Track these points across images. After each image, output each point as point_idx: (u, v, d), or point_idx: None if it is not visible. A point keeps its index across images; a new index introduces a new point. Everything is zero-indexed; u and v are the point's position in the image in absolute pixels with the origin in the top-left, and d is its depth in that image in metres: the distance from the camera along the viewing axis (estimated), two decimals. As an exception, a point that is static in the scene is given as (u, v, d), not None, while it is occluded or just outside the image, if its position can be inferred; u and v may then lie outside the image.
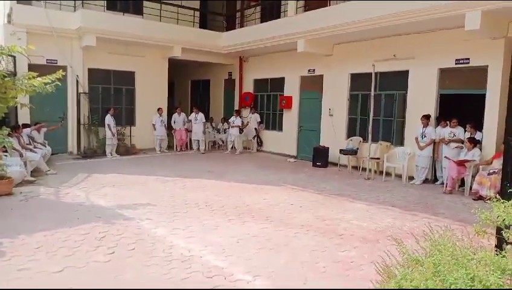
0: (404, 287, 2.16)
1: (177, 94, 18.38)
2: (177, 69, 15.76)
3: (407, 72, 9.78)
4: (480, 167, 7.92)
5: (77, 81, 11.98)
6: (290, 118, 13.21)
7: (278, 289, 3.76)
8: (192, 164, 11.10)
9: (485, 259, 2.23)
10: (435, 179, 9.28)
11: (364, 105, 10.83)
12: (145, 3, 13.41)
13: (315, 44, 11.11)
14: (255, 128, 13.98)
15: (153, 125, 13.22)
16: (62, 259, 4.25)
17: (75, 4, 11.95)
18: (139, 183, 8.34)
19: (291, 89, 13.13)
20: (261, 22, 13.59)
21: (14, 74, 9.49)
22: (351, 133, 11.31)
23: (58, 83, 7.22)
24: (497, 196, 2.65)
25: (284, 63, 13.15)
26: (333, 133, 11.53)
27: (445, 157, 8.64)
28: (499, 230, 2.56)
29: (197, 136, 13.57)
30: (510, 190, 3.03)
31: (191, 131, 13.99)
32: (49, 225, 5.35)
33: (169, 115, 14.05)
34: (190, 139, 14.13)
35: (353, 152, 10.64)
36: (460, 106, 9.54)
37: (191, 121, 13.92)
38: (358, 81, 10.94)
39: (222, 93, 16.47)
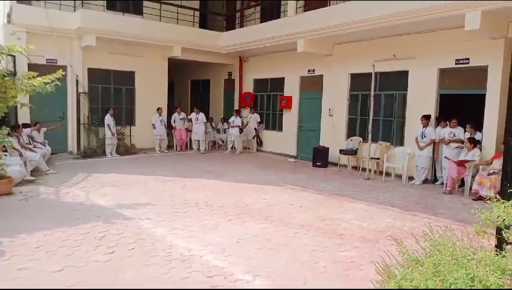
0: (404, 287, 2.16)
1: (177, 94, 18.38)
2: (177, 69, 15.77)
3: (407, 72, 9.78)
4: (480, 167, 7.92)
5: (77, 81, 11.98)
6: (290, 118, 13.21)
7: (277, 289, 3.76)
8: (192, 164, 11.10)
9: (485, 259, 2.23)
10: (435, 179, 9.28)
11: (364, 105, 10.83)
12: (145, 3, 13.40)
13: (315, 44, 11.12)
14: (255, 128, 13.98)
15: (153, 125, 13.21)
16: (62, 258, 4.25)
17: (74, 4, 11.94)
18: (138, 183, 8.34)
19: (291, 89, 13.13)
20: (261, 22, 13.60)
21: (14, 73, 9.49)
22: (351, 133, 11.32)
23: (58, 82, 7.22)
24: (497, 196, 2.65)
25: (283, 63, 13.15)
26: (333, 133, 11.53)
27: (445, 157, 8.65)
28: (498, 230, 2.56)
29: (198, 136, 13.57)
30: (510, 190, 3.03)
31: (191, 131, 14.01)
32: (49, 224, 5.35)
33: (169, 115, 14.05)
34: (190, 139, 14.14)
35: (353, 152, 10.64)
36: (460, 106, 9.54)
37: (190, 120, 13.92)
38: (358, 81, 10.94)
39: (222, 93, 16.47)
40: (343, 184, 8.91)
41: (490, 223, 2.55)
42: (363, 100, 10.85)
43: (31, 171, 8.48)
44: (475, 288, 2.03)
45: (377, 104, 10.21)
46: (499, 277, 2.05)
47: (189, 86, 18.47)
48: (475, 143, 8.16)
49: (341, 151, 10.73)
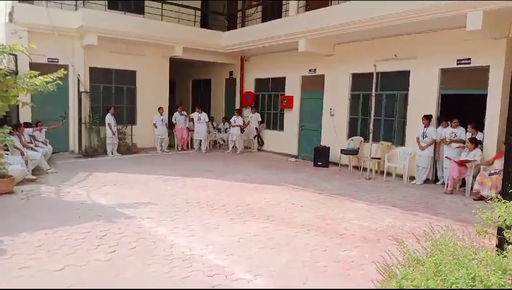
0: (405, 287, 2.16)
1: (178, 93, 18.39)
2: (178, 68, 15.77)
3: (408, 72, 9.77)
4: (481, 167, 7.90)
5: (78, 80, 12.00)
6: (291, 118, 13.21)
7: (278, 289, 3.76)
8: (193, 163, 11.11)
9: (486, 259, 2.23)
10: (436, 179, 9.28)
11: (365, 105, 10.83)
12: (146, 2, 13.39)
13: (316, 44, 11.11)
14: (256, 128, 13.98)
15: (154, 124, 13.22)
16: (63, 257, 4.26)
17: (76, 3, 11.94)
18: (140, 182, 8.35)
19: (293, 88, 13.13)
20: (262, 21, 13.59)
21: (16, 72, 9.51)
22: (352, 133, 11.31)
23: (59, 81, 7.24)
24: (498, 196, 2.65)
25: (285, 63, 13.15)
26: (334, 133, 11.53)
27: (446, 157, 8.64)
28: (500, 230, 2.56)
29: (200, 135, 13.58)
30: (511, 190, 3.03)
31: (192, 130, 14.03)
32: (50, 223, 5.35)
33: (171, 114, 14.05)
34: (191, 139, 14.15)
35: (354, 152, 10.64)
36: (462, 106, 9.53)
37: (192, 120, 13.94)
38: (360, 81, 10.93)
39: (223, 93, 16.48)
40: (344, 184, 8.91)
41: (491, 223, 2.55)
42: (365, 100, 10.85)
43: (32, 170, 8.49)
44: (476, 288, 2.03)
45: (378, 104, 10.21)
46: (500, 276, 2.05)
47: (190, 85, 18.48)
48: (476, 143, 8.15)
49: (342, 151, 10.73)
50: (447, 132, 8.89)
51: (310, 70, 12.48)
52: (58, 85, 7.23)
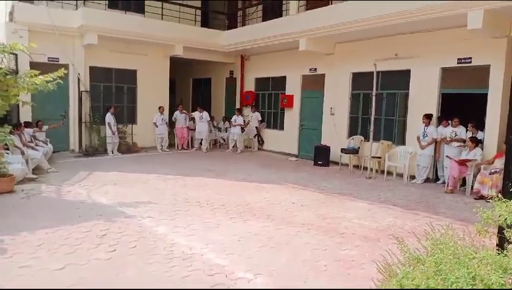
0: (405, 286, 2.16)
1: (179, 92, 18.38)
2: (178, 67, 15.77)
3: (408, 71, 9.77)
4: (482, 166, 7.90)
5: (79, 79, 12.00)
6: (292, 117, 13.20)
7: (279, 289, 3.76)
8: (194, 163, 11.11)
9: (486, 258, 2.22)
10: (436, 179, 9.28)
11: (365, 104, 10.82)
12: (147, 1, 13.41)
13: (317, 43, 11.10)
14: (256, 127, 13.98)
15: (154, 123, 13.22)
16: (63, 257, 4.26)
17: (76, 2, 11.94)
18: (140, 181, 8.35)
19: (293, 87, 13.12)
20: (263, 20, 13.61)
21: (16, 71, 9.52)
22: (352, 132, 11.30)
23: (59, 81, 7.23)
24: (499, 195, 2.65)
25: (285, 62, 13.14)
26: (334, 132, 11.52)
27: (446, 156, 8.64)
28: (500, 229, 2.56)
29: (202, 134, 13.58)
30: (512, 189, 3.02)
31: (192, 129, 14.03)
32: (50, 222, 5.36)
33: (171, 114, 14.06)
34: (191, 138, 14.15)
35: (354, 151, 10.64)
36: (462, 105, 9.52)
37: (192, 119, 13.94)
38: (360, 80, 10.93)
39: (223, 92, 16.47)
40: (345, 183, 8.91)
41: (492, 222, 2.55)
42: (365, 99, 10.84)
43: (33, 169, 8.49)
44: (477, 287, 2.03)
45: (379, 103, 10.19)
46: (501, 276, 2.05)
47: (190, 84, 18.47)
48: (477, 142, 8.14)
49: (342, 150, 10.73)
50: (447, 131, 8.89)
51: (310, 70, 12.48)
52: (58, 84, 7.22)
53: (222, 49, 14.17)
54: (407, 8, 8.24)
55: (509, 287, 2.04)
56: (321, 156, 11.24)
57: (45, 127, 10.61)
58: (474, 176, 7.93)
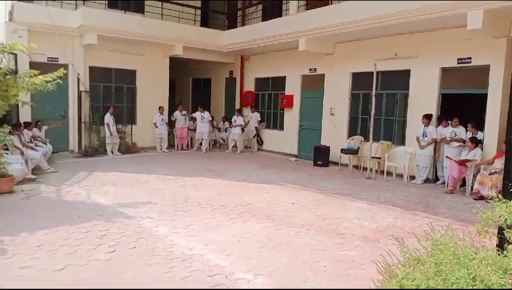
0: (405, 287, 2.16)
1: (178, 93, 18.37)
2: (178, 67, 15.75)
3: (408, 71, 9.76)
4: (482, 166, 7.89)
5: (78, 79, 11.99)
6: (291, 117, 13.20)
7: (279, 289, 3.76)
8: (193, 163, 11.10)
9: (486, 259, 2.22)
10: (436, 179, 9.28)
11: (365, 104, 10.82)
12: (147, 1, 13.39)
13: (316, 43, 11.10)
14: (256, 127, 13.97)
15: (154, 124, 13.20)
16: (63, 257, 4.25)
17: (76, 2, 11.93)
18: (140, 181, 8.34)
19: (293, 87, 13.12)
20: (263, 20, 13.59)
21: (16, 71, 9.50)
22: (352, 132, 11.30)
23: (59, 81, 7.22)
24: (499, 196, 2.64)
25: (285, 62, 13.14)
26: (334, 132, 11.51)
27: (446, 156, 8.63)
28: (500, 230, 2.55)
29: (203, 135, 13.57)
30: (512, 190, 3.02)
31: (191, 130, 14.02)
32: (50, 223, 5.35)
33: (171, 114, 14.05)
34: (191, 138, 14.15)
35: (354, 151, 10.64)
36: (462, 105, 9.52)
37: (192, 119, 13.93)
38: (360, 80, 10.92)
39: (223, 92, 16.46)
40: (344, 183, 8.91)
41: (492, 222, 2.55)
42: (365, 99, 10.84)
43: (32, 169, 8.49)
44: (477, 288, 2.03)
45: (379, 103, 10.18)
46: (501, 276, 2.04)
47: (190, 84, 18.46)
48: (476, 142, 8.14)
49: (342, 151, 10.72)
50: (447, 131, 8.89)
51: (310, 70, 12.47)
52: (58, 84, 7.21)
53: (222, 49, 14.16)
54: (407, 8, 8.24)
55: (510, 288, 2.04)
56: (321, 156, 11.23)
57: (45, 127, 10.61)
58: (474, 177, 7.92)
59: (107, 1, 12.96)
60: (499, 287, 2.00)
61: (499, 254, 2.32)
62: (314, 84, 12.45)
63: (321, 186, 8.46)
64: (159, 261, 4.24)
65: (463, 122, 8.72)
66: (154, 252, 4.49)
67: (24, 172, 7.86)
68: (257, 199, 7.16)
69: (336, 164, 10.96)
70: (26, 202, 6.50)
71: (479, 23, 7.32)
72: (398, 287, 2.21)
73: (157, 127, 13.18)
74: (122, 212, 5.99)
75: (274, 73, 13.85)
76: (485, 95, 8.34)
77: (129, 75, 13.38)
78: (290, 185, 8.49)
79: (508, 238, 2.44)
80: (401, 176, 9.49)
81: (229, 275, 3.96)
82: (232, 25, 15.16)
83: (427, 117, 9.03)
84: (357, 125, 11.24)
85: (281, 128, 13.70)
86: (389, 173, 9.69)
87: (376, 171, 9.92)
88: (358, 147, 10.72)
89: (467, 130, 8.62)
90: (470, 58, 8.55)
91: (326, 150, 11.29)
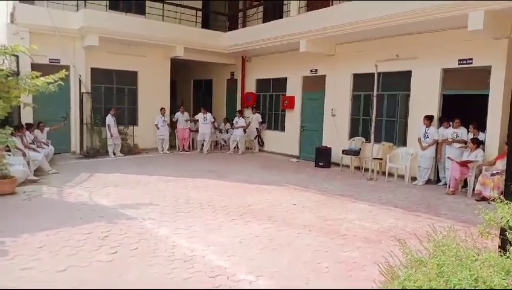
0: (407, 288, 2.16)
1: (180, 94, 18.39)
2: (179, 68, 15.78)
3: (409, 72, 9.76)
4: (483, 167, 7.88)
5: (80, 80, 12.01)
6: (292, 118, 13.20)
7: (281, 289, 3.75)
8: (195, 164, 11.11)
9: (489, 260, 2.22)
10: (438, 180, 9.27)
11: (366, 105, 10.82)
12: (148, 3, 13.44)
13: (317, 44, 11.11)
14: (257, 129, 13.97)
15: (156, 125, 13.21)
16: (65, 258, 4.26)
17: (77, 4, 11.96)
18: (141, 183, 8.35)
19: (294, 89, 13.12)
20: (264, 21, 13.61)
21: (17, 73, 9.53)
22: (353, 133, 11.30)
23: (61, 82, 7.22)
24: (501, 197, 2.64)
25: (286, 63, 13.15)
26: (336, 133, 11.51)
27: (448, 158, 8.62)
28: (503, 231, 2.55)
29: (205, 136, 13.58)
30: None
31: (193, 131, 14.03)
32: (52, 224, 5.36)
33: (172, 115, 14.05)
34: (192, 139, 14.16)
35: (355, 152, 10.63)
36: (463, 106, 9.51)
37: (194, 121, 13.94)
38: (361, 81, 10.93)
39: (224, 93, 16.47)
40: (346, 184, 8.90)
41: (494, 224, 2.55)
42: (366, 100, 10.84)
43: (34, 171, 8.50)
44: (479, 289, 2.03)
45: (380, 105, 10.18)
46: (503, 277, 2.04)
47: (191, 86, 18.48)
48: (478, 143, 8.13)
49: (343, 152, 10.72)
50: (448, 132, 8.88)
51: (311, 71, 12.48)
52: (59, 86, 7.22)
53: (223, 50, 14.17)
54: (408, 9, 8.24)
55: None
56: (322, 157, 11.23)
57: (46, 129, 10.63)
58: (476, 178, 7.91)
59: (108, 2, 12.98)
60: (501, 289, 2.00)
61: (501, 255, 2.31)
62: (315, 85, 12.45)
63: (322, 188, 8.45)
64: (161, 262, 4.24)
65: (464, 123, 8.71)
66: (156, 253, 4.49)
67: (26, 173, 7.88)
68: (258, 200, 7.16)
69: (338, 165, 10.96)
70: (28, 203, 6.52)
71: (480, 24, 7.31)
72: (400, 289, 2.21)
73: (158, 128, 13.18)
74: (124, 214, 6.00)
75: (275, 74, 13.85)
76: (486, 96, 8.34)
77: (130, 77, 13.40)
78: (291, 186, 8.49)
79: (510, 240, 2.43)
80: (402, 177, 9.48)
81: (230, 276, 3.96)
82: (233, 26, 15.18)
83: (429, 118, 9.02)
84: (358, 127, 11.23)
85: (282, 129, 13.70)
86: (390, 174, 9.68)
87: (377, 172, 9.91)
88: (360, 148, 10.71)
89: (468, 131, 8.61)
90: (471, 59, 8.55)
91: (327, 151, 11.28)
